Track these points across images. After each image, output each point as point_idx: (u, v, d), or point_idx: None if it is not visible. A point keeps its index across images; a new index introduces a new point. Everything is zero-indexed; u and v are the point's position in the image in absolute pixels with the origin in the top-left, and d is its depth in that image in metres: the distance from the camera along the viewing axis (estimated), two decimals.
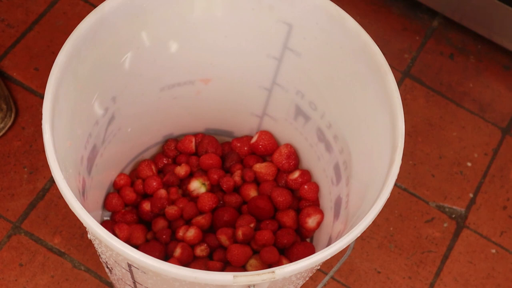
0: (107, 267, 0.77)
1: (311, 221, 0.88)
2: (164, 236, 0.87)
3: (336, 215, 0.83)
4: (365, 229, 0.65)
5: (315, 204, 0.90)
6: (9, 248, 0.93)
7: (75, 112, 0.73)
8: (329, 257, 0.63)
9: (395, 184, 1.03)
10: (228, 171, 0.93)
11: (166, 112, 0.89)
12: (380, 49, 0.73)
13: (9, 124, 0.99)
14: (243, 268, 0.86)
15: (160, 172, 0.93)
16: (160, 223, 0.88)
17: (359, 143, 0.78)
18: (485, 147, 1.08)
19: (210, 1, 0.77)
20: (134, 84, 0.82)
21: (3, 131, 0.99)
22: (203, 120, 0.93)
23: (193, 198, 0.90)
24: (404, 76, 1.12)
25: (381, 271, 0.98)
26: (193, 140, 0.93)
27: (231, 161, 0.92)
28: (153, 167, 0.92)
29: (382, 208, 0.66)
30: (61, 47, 0.69)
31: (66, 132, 0.71)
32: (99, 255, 0.76)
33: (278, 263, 0.85)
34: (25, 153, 0.99)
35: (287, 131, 0.91)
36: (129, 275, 0.71)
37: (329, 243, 0.82)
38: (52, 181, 0.98)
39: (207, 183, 0.90)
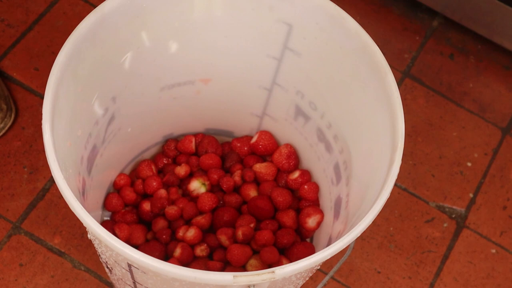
0: (107, 267, 0.77)
1: (311, 221, 0.88)
2: (164, 236, 0.87)
3: (336, 215, 0.83)
4: (365, 229, 0.65)
5: (315, 204, 0.90)
6: (9, 248, 0.93)
7: (75, 112, 0.73)
8: (329, 257, 0.63)
9: (395, 184, 1.03)
10: (228, 171, 0.93)
11: (166, 112, 0.89)
12: (380, 49, 0.73)
13: (9, 124, 0.99)
14: (243, 268, 0.86)
15: (160, 172, 0.93)
16: (160, 223, 0.88)
17: (359, 143, 0.78)
18: (485, 147, 1.08)
19: (210, 1, 0.77)
20: (134, 84, 0.82)
21: (3, 131, 0.99)
22: (203, 120, 0.93)
23: (193, 198, 0.90)
24: (404, 76, 1.12)
25: (381, 271, 0.98)
26: (193, 140, 0.93)
27: (231, 161, 0.92)
28: (153, 167, 0.92)
29: (382, 208, 0.66)
30: (61, 47, 0.69)
31: (66, 132, 0.71)
32: (99, 255, 0.76)
33: (278, 263, 0.85)
34: (25, 153, 0.99)
35: (287, 131, 0.91)
36: (129, 275, 0.71)
37: (329, 243, 0.82)
38: (52, 181, 0.97)
39: (207, 183, 0.90)
